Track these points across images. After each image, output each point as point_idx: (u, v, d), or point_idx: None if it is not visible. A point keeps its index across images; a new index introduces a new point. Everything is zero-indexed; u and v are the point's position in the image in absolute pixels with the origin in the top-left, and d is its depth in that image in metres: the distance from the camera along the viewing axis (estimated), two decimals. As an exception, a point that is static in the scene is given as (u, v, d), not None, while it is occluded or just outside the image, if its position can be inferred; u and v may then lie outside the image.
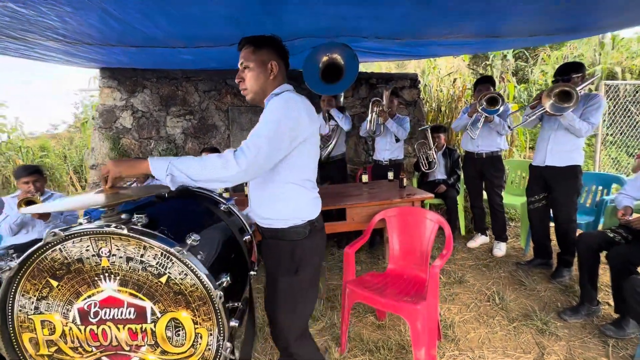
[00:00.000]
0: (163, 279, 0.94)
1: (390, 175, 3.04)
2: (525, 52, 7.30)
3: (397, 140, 3.36)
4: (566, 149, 2.43)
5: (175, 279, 0.94)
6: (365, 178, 3.00)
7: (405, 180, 2.70)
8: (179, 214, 1.26)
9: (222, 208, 1.38)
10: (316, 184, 1.30)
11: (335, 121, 3.44)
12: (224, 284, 1.00)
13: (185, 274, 0.94)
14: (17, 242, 2.50)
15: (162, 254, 0.93)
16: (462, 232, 3.60)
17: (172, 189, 1.03)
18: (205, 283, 0.93)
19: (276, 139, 1.07)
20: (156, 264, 0.94)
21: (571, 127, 2.31)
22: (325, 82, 3.56)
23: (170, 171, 1.00)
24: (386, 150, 3.42)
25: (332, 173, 3.69)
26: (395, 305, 1.66)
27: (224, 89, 4.09)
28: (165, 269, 0.94)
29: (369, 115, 3.29)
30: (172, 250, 0.91)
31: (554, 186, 2.52)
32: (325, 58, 3.40)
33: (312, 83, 3.46)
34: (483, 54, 7.32)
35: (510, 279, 2.62)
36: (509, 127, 2.90)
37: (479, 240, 3.31)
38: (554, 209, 2.60)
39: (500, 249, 3.07)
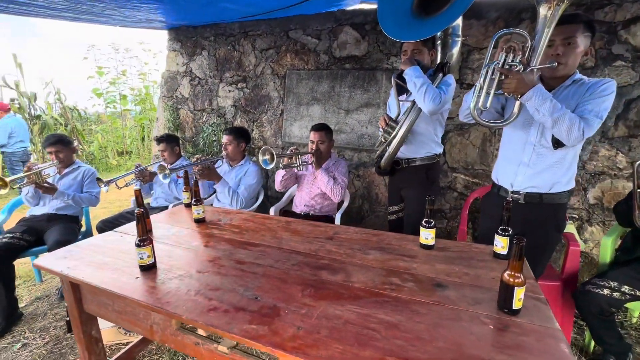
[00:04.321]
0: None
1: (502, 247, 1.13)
2: None
3: (558, 144, 1.28)
4: None
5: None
6: (425, 235, 1.23)
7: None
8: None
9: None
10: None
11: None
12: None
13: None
14: (34, 214, 2.44)
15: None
16: None
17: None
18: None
19: None
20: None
21: None
22: (416, 16, 1.85)
23: None
24: (521, 165, 1.41)
25: (405, 190, 2.00)
26: None
27: (285, 44, 2.94)
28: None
29: (482, 74, 1.34)
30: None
31: None
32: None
33: (393, 21, 1.84)
34: None
35: None
36: None
37: None
38: None
39: None
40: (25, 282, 2.57)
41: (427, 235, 1.23)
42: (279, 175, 2.32)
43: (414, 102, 1.70)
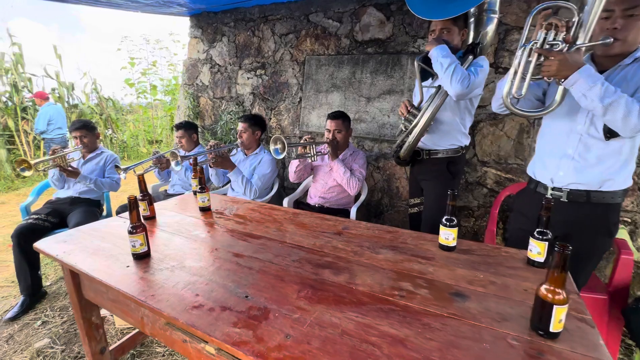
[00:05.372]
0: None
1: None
2: None
3: (611, 134, 1.06)
4: None
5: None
6: (446, 235, 1.07)
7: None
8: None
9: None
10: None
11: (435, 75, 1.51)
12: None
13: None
14: (59, 196, 2.53)
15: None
16: None
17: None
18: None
19: None
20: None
21: None
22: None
23: None
24: (564, 158, 1.19)
25: (424, 183, 1.83)
26: None
27: (304, 29, 2.81)
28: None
29: (517, 56, 1.13)
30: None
31: None
32: None
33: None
34: None
35: None
36: None
37: None
38: None
39: None
40: (53, 262, 2.68)
41: (447, 235, 1.07)
42: (293, 165, 2.22)
43: (439, 88, 1.52)
